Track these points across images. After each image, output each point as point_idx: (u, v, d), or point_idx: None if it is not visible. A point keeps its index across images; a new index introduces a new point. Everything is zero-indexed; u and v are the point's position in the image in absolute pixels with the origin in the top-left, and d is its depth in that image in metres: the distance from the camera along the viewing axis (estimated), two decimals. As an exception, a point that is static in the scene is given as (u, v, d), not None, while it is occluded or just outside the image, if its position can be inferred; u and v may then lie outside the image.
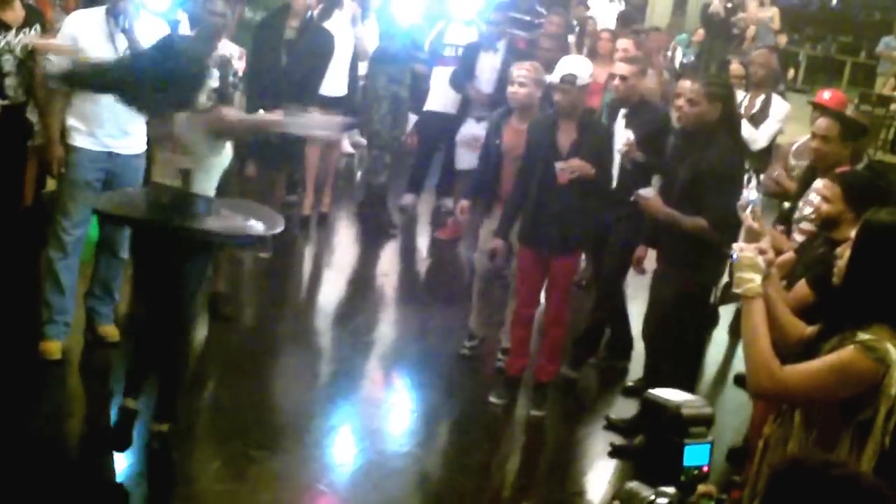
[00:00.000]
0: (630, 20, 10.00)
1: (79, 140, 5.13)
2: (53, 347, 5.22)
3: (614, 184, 5.64)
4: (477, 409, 5.64)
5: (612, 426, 5.53)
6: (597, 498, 5.05)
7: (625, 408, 5.71)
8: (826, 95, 6.52)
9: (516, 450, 5.58)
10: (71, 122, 5.13)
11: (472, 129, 7.56)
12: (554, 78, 5.38)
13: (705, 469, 1.65)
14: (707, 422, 1.75)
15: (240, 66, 5.84)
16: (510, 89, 5.71)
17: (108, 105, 4.97)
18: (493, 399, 5.66)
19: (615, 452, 5.31)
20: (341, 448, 5.07)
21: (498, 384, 5.76)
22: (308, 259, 7.76)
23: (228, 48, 5.78)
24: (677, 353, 5.16)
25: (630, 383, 5.93)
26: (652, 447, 1.70)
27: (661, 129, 5.70)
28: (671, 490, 1.57)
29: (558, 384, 5.80)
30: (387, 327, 6.67)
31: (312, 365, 5.97)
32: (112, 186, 5.18)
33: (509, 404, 5.66)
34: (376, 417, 5.47)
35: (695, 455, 1.70)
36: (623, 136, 5.60)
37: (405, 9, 8.03)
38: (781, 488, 1.62)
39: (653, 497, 1.54)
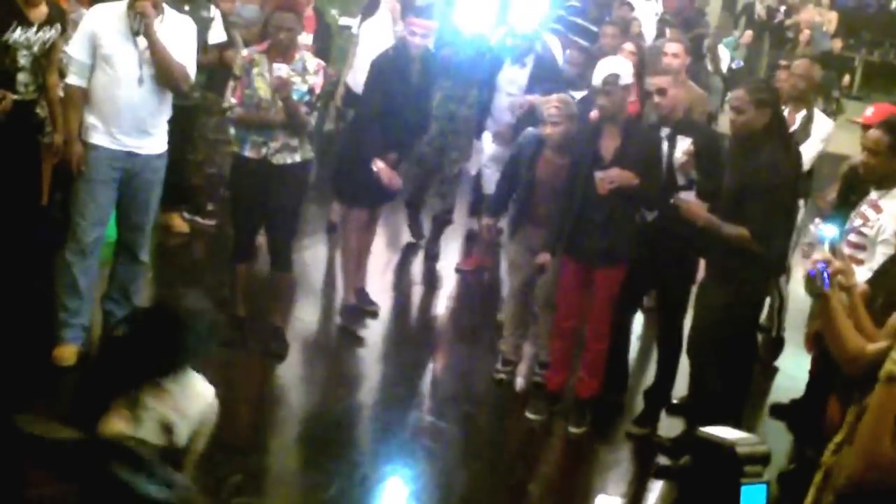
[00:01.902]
0: (693, 24, 9.53)
1: (96, 138, 4.96)
2: (68, 352, 5.03)
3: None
4: (513, 426, 5.46)
5: (658, 445, 5.30)
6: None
7: (671, 426, 5.47)
8: (869, 112, 6.13)
9: (554, 469, 5.39)
10: (89, 119, 4.95)
11: (497, 150, 6.95)
12: (595, 81, 5.17)
13: None
14: (763, 460, 1.57)
15: (317, 82, 5.47)
16: (544, 130, 5.49)
17: (127, 104, 4.86)
18: (529, 415, 5.46)
19: (660, 473, 5.07)
20: (376, 468, 4.88)
21: (535, 399, 5.55)
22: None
23: (307, 62, 5.45)
24: (724, 371, 4.93)
25: (675, 401, 5.69)
26: (706, 489, 1.53)
27: (712, 151, 5.23)
28: None
29: (599, 401, 5.54)
30: (416, 354, 6.36)
31: (345, 386, 5.76)
32: (130, 186, 5.03)
33: (547, 420, 5.45)
34: (411, 438, 5.26)
35: (752, 496, 1.53)
36: (682, 145, 5.21)
37: (471, 14, 7.09)
38: None
39: None
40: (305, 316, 6.34)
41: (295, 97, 5.33)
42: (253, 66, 5.40)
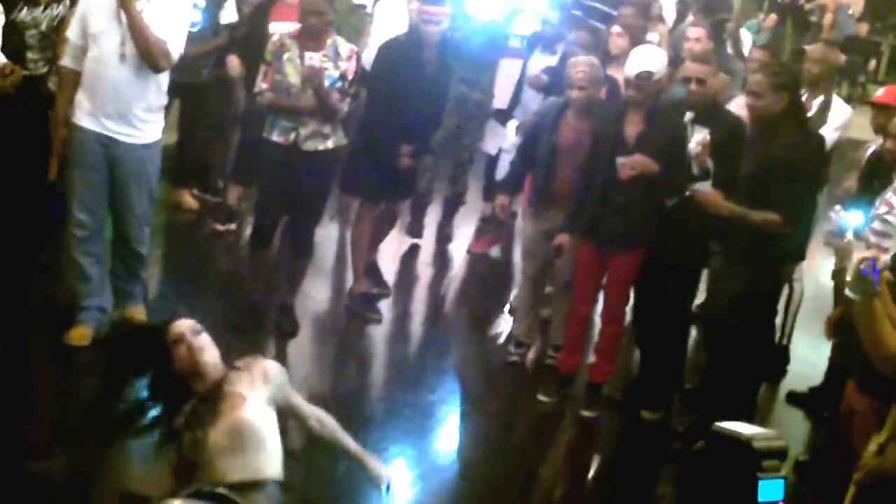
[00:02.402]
0: (716, 7, 9.31)
1: (82, 119, 4.85)
2: (78, 333, 4.96)
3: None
4: (524, 408, 5.43)
5: (671, 431, 5.24)
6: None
7: (683, 411, 5.39)
8: (880, 92, 5.99)
9: (565, 451, 5.36)
10: (78, 98, 4.86)
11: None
12: (629, 72, 5.06)
13: None
14: (781, 455, 1.53)
15: (349, 67, 5.37)
16: (570, 93, 5.38)
17: (111, 82, 4.75)
18: (541, 397, 5.41)
19: (673, 457, 5.05)
20: (385, 447, 4.82)
21: (548, 382, 5.50)
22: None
23: (339, 47, 5.36)
24: (739, 357, 4.86)
25: (688, 385, 5.62)
26: (724, 483, 1.47)
27: (735, 139, 5.06)
28: None
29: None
30: (427, 335, 6.36)
31: (354, 365, 5.75)
32: (116, 175, 4.90)
33: (559, 404, 5.40)
34: (422, 418, 5.21)
35: (770, 490, 1.49)
36: (698, 135, 5.07)
37: None
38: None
39: None
40: (316, 294, 6.29)
41: (326, 83, 5.25)
42: (284, 52, 5.32)
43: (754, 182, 4.68)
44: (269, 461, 3.03)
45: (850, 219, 3.16)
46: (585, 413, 5.32)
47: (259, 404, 3.09)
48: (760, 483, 1.48)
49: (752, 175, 4.70)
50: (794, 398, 5.82)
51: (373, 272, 6.35)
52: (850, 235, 3.20)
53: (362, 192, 6.15)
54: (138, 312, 5.20)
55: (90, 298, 5.02)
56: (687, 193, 4.91)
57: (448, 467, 4.82)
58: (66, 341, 4.93)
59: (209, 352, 3.16)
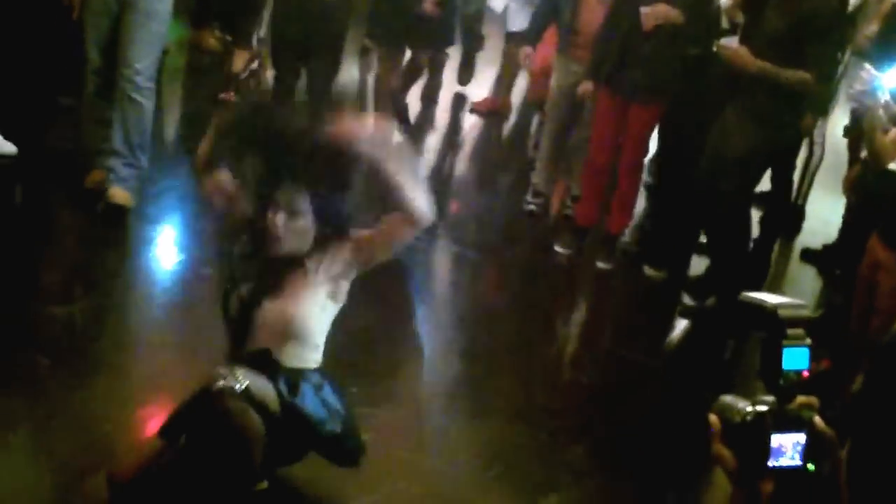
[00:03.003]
0: None
1: None
2: (96, 178, 4.78)
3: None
4: (540, 258, 5.48)
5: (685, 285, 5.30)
6: (663, 354, 4.90)
7: (696, 266, 5.45)
8: None
9: (581, 301, 5.45)
10: None
11: None
12: None
13: (805, 374, 1.50)
14: (805, 323, 1.57)
15: None
16: None
17: None
18: (558, 248, 5.47)
19: (685, 313, 5.12)
20: (404, 292, 4.91)
21: (564, 233, 5.55)
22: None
23: None
24: (742, 217, 4.89)
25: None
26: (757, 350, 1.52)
27: None
28: (770, 398, 1.43)
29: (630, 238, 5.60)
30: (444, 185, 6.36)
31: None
32: (125, 19, 4.56)
33: (575, 255, 5.45)
34: (436, 264, 5.31)
35: (794, 359, 1.54)
36: None
37: None
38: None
39: (750, 408, 1.42)
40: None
41: None
42: None
43: (783, 40, 4.58)
44: (311, 354, 2.99)
45: (888, 80, 3.10)
46: (601, 265, 5.38)
47: (317, 302, 2.95)
48: (785, 351, 1.51)
49: (782, 33, 4.60)
50: (808, 255, 5.87)
51: (399, 119, 6.24)
52: (882, 96, 3.14)
53: (384, 38, 6.03)
54: (120, 196, 4.71)
55: (108, 142, 4.77)
56: (714, 48, 4.82)
57: (462, 315, 4.88)
58: (86, 185, 4.84)
59: (295, 236, 2.93)
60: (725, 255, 5.00)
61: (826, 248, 5.75)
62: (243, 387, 2.74)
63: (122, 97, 4.65)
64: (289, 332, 2.93)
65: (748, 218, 5.05)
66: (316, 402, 2.90)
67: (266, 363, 2.88)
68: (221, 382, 2.73)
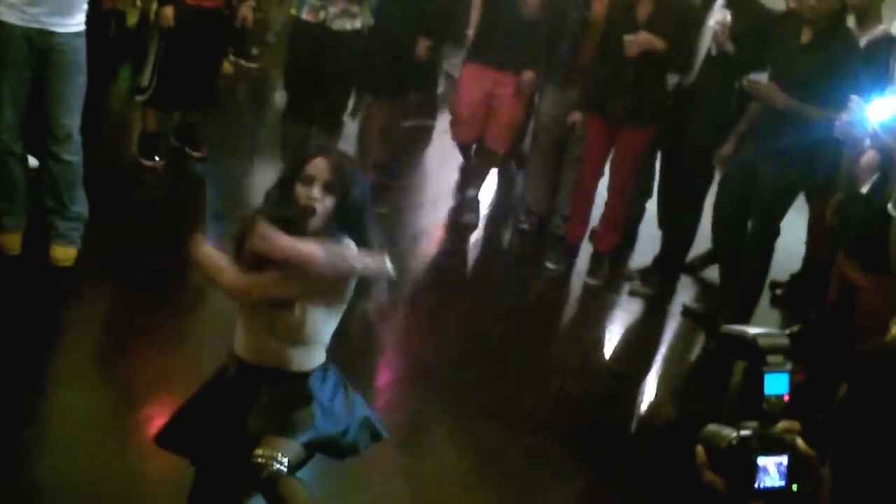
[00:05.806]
0: None
1: (7, 15, 4.11)
2: (10, 240, 4.44)
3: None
4: (531, 274, 5.68)
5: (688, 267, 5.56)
6: (654, 367, 5.06)
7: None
8: None
9: (568, 314, 5.63)
10: None
11: None
12: None
13: (786, 398, 1.65)
14: (784, 351, 1.74)
15: None
16: None
17: None
18: (548, 265, 5.70)
19: (687, 313, 5.36)
20: (396, 303, 5.00)
21: (555, 250, 5.78)
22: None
23: None
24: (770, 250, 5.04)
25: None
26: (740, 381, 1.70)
27: (761, 28, 5.03)
28: (753, 423, 1.57)
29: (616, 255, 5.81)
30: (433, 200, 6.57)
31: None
32: (46, 73, 4.18)
33: (565, 271, 5.69)
34: (428, 272, 5.50)
35: (775, 384, 1.69)
36: (718, 15, 5.08)
37: None
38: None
39: (735, 433, 1.51)
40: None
41: None
42: None
43: (812, 80, 4.61)
44: (320, 352, 2.87)
45: (870, 111, 3.07)
46: (589, 281, 5.62)
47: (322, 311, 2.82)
48: (766, 377, 1.66)
49: (812, 74, 4.62)
50: (777, 293, 5.79)
51: (386, 166, 6.22)
52: (867, 127, 3.12)
53: (372, 88, 6.02)
54: (62, 257, 4.43)
55: (15, 203, 4.41)
56: (744, 83, 4.90)
57: (452, 325, 5.00)
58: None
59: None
60: (748, 284, 5.05)
61: (793, 276, 5.74)
62: (286, 466, 2.59)
63: (52, 158, 4.33)
64: (300, 339, 2.79)
65: (772, 250, 5.09)
66: (339, 419, 2.81)
67: (284, 380, 2.78)
68: (267, 470, 2.57)
